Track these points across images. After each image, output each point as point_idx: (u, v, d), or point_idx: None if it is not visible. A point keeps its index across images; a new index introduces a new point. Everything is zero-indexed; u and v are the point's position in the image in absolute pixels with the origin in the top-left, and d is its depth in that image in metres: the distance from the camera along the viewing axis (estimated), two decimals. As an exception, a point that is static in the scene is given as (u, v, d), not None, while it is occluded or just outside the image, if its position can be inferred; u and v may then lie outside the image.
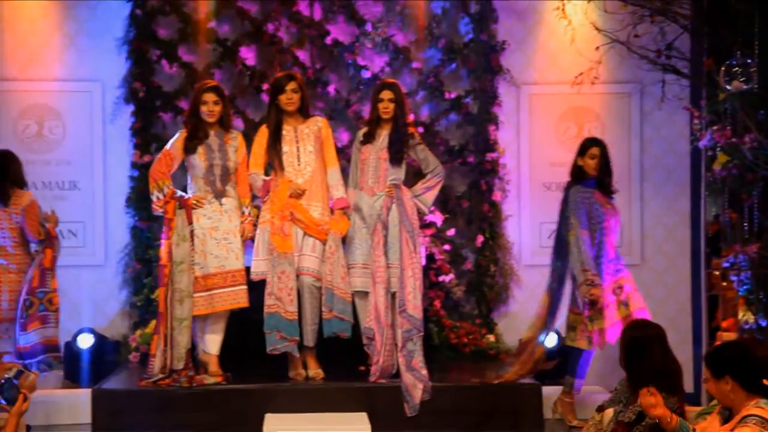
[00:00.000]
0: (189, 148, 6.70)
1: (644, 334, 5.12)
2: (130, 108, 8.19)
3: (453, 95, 8.35)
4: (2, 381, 4.60)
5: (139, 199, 8.03)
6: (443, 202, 8.21)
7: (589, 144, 6.85)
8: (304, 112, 6.90)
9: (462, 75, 8.42)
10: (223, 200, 6.71)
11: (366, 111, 7.71)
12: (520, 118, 8.43)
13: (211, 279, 6.58)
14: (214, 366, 6.66)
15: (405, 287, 6.63)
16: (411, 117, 7.37)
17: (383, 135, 6.92)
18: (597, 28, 7.95)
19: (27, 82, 8.21)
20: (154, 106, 8.20)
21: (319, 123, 6.92)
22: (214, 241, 6.62)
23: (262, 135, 6.87)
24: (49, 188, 8.10)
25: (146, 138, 8.16)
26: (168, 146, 6.78)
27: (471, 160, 8.37)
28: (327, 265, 6.66)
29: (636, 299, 6.76)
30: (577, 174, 6.85)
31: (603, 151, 6.81)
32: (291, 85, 6.80)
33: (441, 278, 8.19)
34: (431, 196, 6.96)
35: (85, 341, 7.71)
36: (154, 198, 6.67)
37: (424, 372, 6.57)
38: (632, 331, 5.20)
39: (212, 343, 6.69)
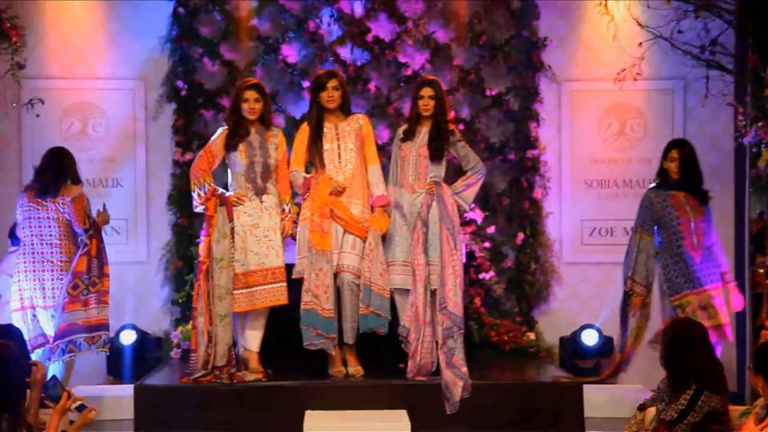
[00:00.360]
0: (230, 145, 6.72)
1: (686, 333, 5.07)
2: (173, 106, 8.27)
3: (494, 92, 8.33)
4: (47, 379, 4.64)
5: (180, 196, 8.09)
6: (484, 200, 8.19)
7: (669, 146, 6.76)
8: (345, 110, 6.90)
9: (503, 72, 8.39)
10: (264, 197, 6.72)
11: (406, 108, 7.70)
12: (562, 114, 8.40)
13: (251, 276, 6.61)
14: (254, 363, 6.69)
15: (445, 284, 6.62)
16: (451, 114, 7.34)
17: (423, 132, 6.90)
18: (640, 24, 7.87)
19: (71, 80, 8.31)
20: (196, 104, 8.27)
21: (360, 120, 6.91)
22: (255, 238, 6.64)
23: (303, 132, 6.88)
24: (92, 185, 8.18)
25: (188, 136, 8.22)
26: (209, 143, 6.82)
27: (512, 157, 8.34)
28: (366, 262, 6.66)
29: (724, 312, 6.66)
30: (660, 177, 6.77)
31: (683, 153, 6.69)
32: (332, 83, 6.80)
33: (481, 276, 8.17)
34: (471, 193, 6.93)
35: (128, 337, 7.78)
36: (195, 195, 6.70)
37: (465, 369, 6.55)
38: (674, 329, 5.15)
39: (253, 339, 6.72)
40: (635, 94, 8.29)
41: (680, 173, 6.66)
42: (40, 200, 6.72)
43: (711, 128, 8.33)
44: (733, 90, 7.88)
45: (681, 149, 6.70)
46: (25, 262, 6.72)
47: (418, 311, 6.60)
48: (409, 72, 8.27)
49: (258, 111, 6.73)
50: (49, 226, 6.71)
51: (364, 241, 6.70)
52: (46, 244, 6.69)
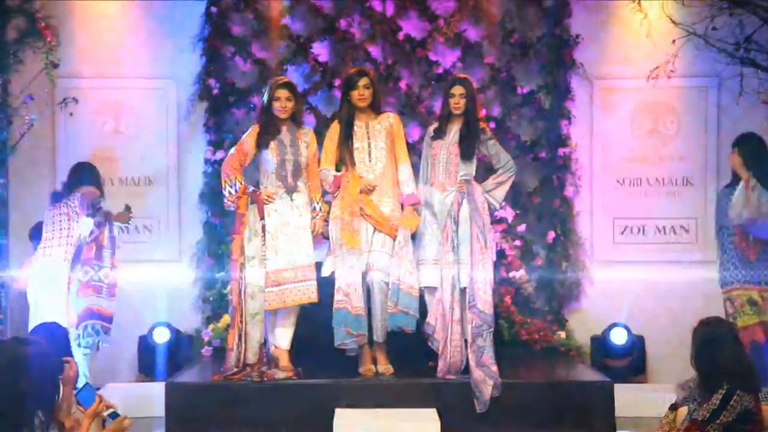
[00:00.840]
0: (261, 143, 6.73)
1: (716, 332, 5.02)
2: (204, 104, 8.30)
3: (525, 90, 8.30)
4: (82, 386, 4.66)
5: (212, 194, 8.14)
6: (514, 198, 8.16)
7: (732, 144, 6.69)
8: (376, 108, 6.90)
9: (534, 70, 8.37)
10: (294, 196, 6.73)
11: (437, 107, 7.69)
12: (593, 112, 8.37)
13: (281, 274, 6.62)
14: (284, 361, 6.70)
15: (475, 283, 6.60)
16: (482, 112, 7.33)
17: (454, 130, 6.88)
18: (673, 21, 7.83)
19: (104, 79, 8.36)
20: (228, 103, 8.30)
21: (390, 119, 6.91)
22: (285, 236, 6.65)
23: (334, 131, 6.89)
24: (124, 184, 8.26)
25: (220, 134, 8.26)
26: (240, 141, 6.83)
27: (543, 155, 8.31)
28: (395, 260, 6.66)
29: None
30: (732, 175, 6.70)
31: (741, 150, 6.57)
32: (363, 81, 6.80)
33: (511, 274, 8.15)
34: (502, 191, 6.90)
35: (162, 335, 7.83)
36: (226, 193, 6.72)
37: (494, 368, 6.53)
38: (703, 328, 5.11)
39: (283, 337, 6.74)
40: (668, 92, 8.24)
41: (743, 170, 6.56)
42: (56, 203, 6.94)
43: (745, 126, 8.18)
44: (767, 88, 7.81)
45: (740, 147, 6.61)
46: (37, 256, 6.93)
47: (445, 309, 6.59)
48: (440, 70, 8.25)
49: (289, 110, 6.74)
50: (60, 221, 6.87)
51: (394, 240, 6.70)
52: (57, 237, 6.84)
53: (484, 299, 6.59)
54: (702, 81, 8.27)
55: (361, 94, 6.79)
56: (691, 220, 8.27)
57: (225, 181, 6.72)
